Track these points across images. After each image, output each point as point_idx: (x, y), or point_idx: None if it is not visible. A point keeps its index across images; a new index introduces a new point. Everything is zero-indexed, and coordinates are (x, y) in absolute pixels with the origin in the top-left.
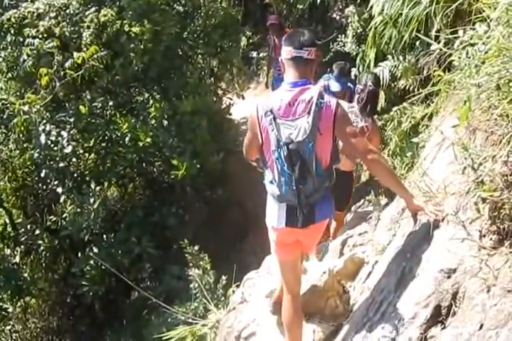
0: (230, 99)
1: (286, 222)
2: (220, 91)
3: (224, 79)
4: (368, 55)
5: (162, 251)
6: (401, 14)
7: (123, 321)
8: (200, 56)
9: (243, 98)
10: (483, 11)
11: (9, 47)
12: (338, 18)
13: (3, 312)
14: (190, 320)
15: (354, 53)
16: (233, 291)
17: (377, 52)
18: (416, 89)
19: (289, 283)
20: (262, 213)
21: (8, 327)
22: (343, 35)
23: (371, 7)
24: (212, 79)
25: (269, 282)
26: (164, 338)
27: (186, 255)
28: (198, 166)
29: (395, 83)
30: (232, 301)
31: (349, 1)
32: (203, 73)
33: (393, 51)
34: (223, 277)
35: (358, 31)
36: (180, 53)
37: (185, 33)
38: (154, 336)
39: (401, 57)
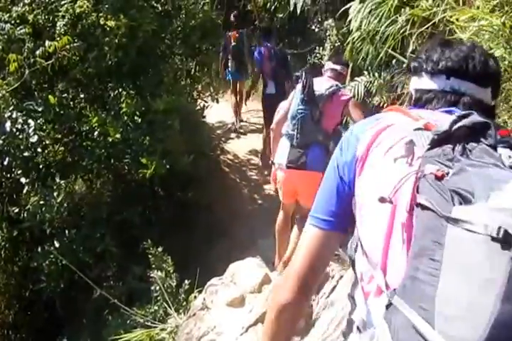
0: (205, 101)
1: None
2: (195, 93)
3: (200, 81)
4: None
5: (126, 251)
6: (378, 31)
7: (83, 320)
8: (177, 56)
9: (217, 102)
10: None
11: None
12: (316, 30)
13: None
14: (149, 324)
15: None
16: (195, 297)
17: (353, 66)
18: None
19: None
20: (230, 219)
21: None
22: (321, 48)
23: (350, 22)
24: (188, 80)
25: (231, 290)
26: (121, 340)
27: (150, 256)
28: (168, 167)
29: (370, 99)
30: (193, 307)
31: (328, 14)
32: (179, 73)
33: (369, 67)
34: (186, 281)
35: (336, 45)
36: (158, 52)
37: (163, 33)
38: (111, 337)
39: (376, 74)
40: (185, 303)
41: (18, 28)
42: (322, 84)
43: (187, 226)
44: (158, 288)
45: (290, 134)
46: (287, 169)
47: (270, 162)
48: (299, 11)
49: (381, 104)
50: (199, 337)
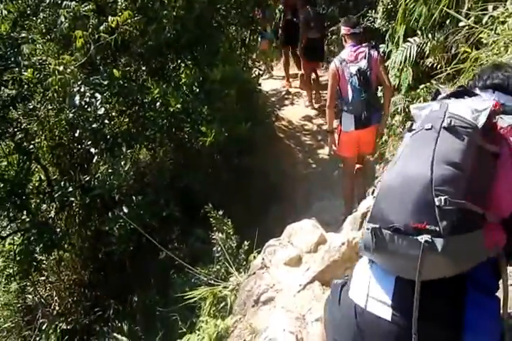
0: (260, 69)
1: (355, 126)
2: (250, 62)
3: (255, 50)
4: (397, 32)
5: (189, 215)
6: None
7: (150, 279)
8: (232, 26)
9: (272, 69)
10: None
11: (47, 10)
12: None
13: (38, 264)
14: (212, 282)
15: (384, 29)
16: (254, 257)
17: (406, 28)
18: (444, 67)
19: (346, 167)
20: (286, 183)
21: (43, 278)
22: (373, 11)
23: None
24: (243, 49)
25: (288, 250)
26: (186, 297)
27: (211, 219)
28: (226, 134)
29: (423, 60)
30: (252, 266)
31: None
32: (234, 43)
33: (422, 28)
34: (245, 242)
35: (388, 7)
36: (213, 22)
37: (218, 3)
38: (177, 295)
39: (430, 35)
40: (245, 263)
41: (82, 6)
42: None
43: (245, 191)
44: (219, 249)
45: (350, 109)
46: (355, 130)
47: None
48: None
49: (434, 65)
50: (259, 294)
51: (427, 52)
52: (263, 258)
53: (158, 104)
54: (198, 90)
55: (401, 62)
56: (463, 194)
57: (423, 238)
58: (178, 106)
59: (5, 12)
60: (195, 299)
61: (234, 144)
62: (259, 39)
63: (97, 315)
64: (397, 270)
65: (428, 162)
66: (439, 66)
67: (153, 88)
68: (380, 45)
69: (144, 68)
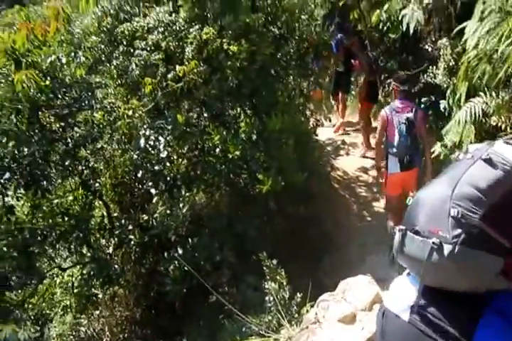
0: (317, 120)
1: (400, 168)
2: (308, 112)
3: (312, 100)
4: (458, 89)
5: (241, 260)
6: (497, 50)
7: (200, 321)
8: (291, 77)
9: (330, 120)
10: None
11: (120, 57)
12: (430, 49)
13: (94, 298)
14: (263, 332)
15: (444, 86)
16: (307, 310)
17: (468, 86)
18: (509, 127)
19: (391, 204)
20: (340, 234)
21: (97, 312)
22: (434, 67)
23: (465, 41)
24: (301, 99)
25: (342, 306)
26: None
27: (264, 268)
28: (282, 183)
29: (487, 119)
30: (305, 320)
31: (442, 33)
32: (293, 93)
33: (486, 87)
34: (298, 294)
35: (450, 64)
36: (273, 73)
37: (279, 54)
38: None
39: (494, 93)
40: (297, 315)
41: (152, 55)
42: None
43: (298, 240)
44: (271, 298)
45: (395, 152)
46: (401, 172)
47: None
48: (411, 31)
49: (499, 125)
50: None
51: (491, 111)
52: (316, 313)
53: (217, 149)
54: (256, 138)
55: (464, 121)
56: (480, 215)
57: (433, 240)
58: (237, 152)
59: (83, 58)
60: None
61: (290, 193)
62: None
63: None
64: (415, 273)
65: (454, 181)
66: (503, 126)
67: (214, 134)
68: (441, 101)
69: (205, 114)
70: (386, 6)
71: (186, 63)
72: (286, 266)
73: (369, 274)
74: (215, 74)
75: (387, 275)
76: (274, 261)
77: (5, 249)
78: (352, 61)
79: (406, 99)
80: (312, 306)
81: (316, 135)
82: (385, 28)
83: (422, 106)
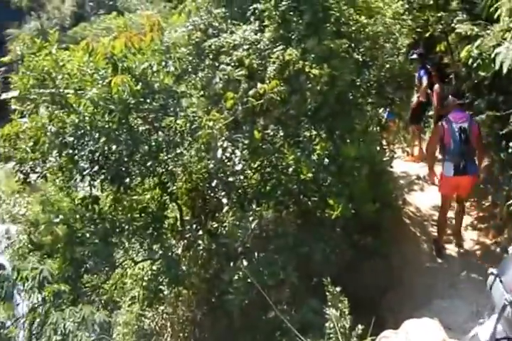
0: (394, 152)
1: (454, 173)
2: (384, 142)
3: (390, 131)
4: None
5: (303, 281)
6: None
7: (256, 335)
8: (369, 105)
9: (407, 154)
10: None
11: (206, 70)
12: None
13: (160, 294)
14: None
15: None
16: None
17: None
18: None
19: (444, 203)
20: (406, 272)
21: (162, 308)
22: None
23: None
24: (378, 128)
25: None
26: None
27: (327, 293)
28: (353, 211)
29: None
30: None
31: None
32: (370, 122)
33: None
34: (359, 326)
35: None
36: (352, 99)
37: (359, 81)
38: None
39: None
40: None
41: (236, 70)
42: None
43: (363, 271)
44: (332, 325)
45: (450, 158)
46: (454, 176)
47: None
48: (505, 70)
49: None
50: None
51: None
52: None
53: (290, 169)
54: (329, 163)
55: None
56: None
57: (507, 297)
58: (309, 174)
59: (172, 68)
60: None
61: (359, 222)
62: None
63: None
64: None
65: None
66: None
67: (288, 153)
68: None
69: (281, 133)
70: (478, 42)
71: (267, 82)
72: (349, 294)
73: (436, 319)
74: (295, 95)
75: (454, 323)
76: (338, 288)
77: (87, 235)
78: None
79: (461, 110)
80: (373, 340)
81: (391, 167)
82: (475, 64)
83: (511, 150)
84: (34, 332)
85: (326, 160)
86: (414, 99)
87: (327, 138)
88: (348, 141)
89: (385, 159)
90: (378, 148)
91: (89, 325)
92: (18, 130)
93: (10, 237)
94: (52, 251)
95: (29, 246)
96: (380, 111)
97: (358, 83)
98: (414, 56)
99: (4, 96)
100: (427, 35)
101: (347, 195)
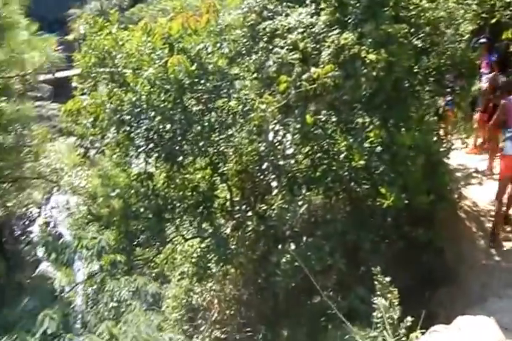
0: (451, 143)
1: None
2: (441, 132)
3: (448, 121)
4: None
5: (350, 269)
6: None
7: (300, 318)
8: (427, 93)
9: (467, 146)
10: None
11: (260, 52)
12: None
13: (209, 271)
14: None
15: None
16: (417, 336)
17: None
18: None
19: (500, 191)
20: (460, 268)
21: (210, 285)
22: None
23: None
24: (435, 118)
25: None
26: None
27: (375, 282)
28: (406, 201)
29: None
30: None
31: None
32: (427, 110)
33: None
34: (408, 318)
35: None
36: (409, 87)
37: (417, 68)
38: None
39: None
40: (404, 339)
41: (290, 54)
42: None
43: (412, 263)
44: (379, 315)
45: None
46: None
47: None
48: None
49: None
50: None
51: None
52: None
53: (342, 155)
54: (382, 151)
55: None
56: None
57: None
58: (361, 162)
59: (226, 50)
60: None
61: (411, 213)
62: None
63: (247, 335)
64: None
65: None
66: None
67: (340, 140)
68: None
69: (333, 119)
70: None
71: (322, 66)
72: (398, 286)
73: (492, 317)
74: (349, 81)
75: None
76: (387, 278)
77: (141, 210)
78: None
79: None
80: (423, 333)
81: (448, 158)
82: None
83: None
84: (91, 298)
85: (379, 148)
86: (482, 85)
87: (381, 125)
88: (403, 129)
89: (441, 150)
90: (435, 138)
91: (142, 294)
92: (79, 106)
93: (69, 208)
94: (108, 223)
95: (88, 217)
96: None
97: (415, 70)
98: (484, 40)
99: (59, 74)
100: (493, 21)
101: (400, 185)
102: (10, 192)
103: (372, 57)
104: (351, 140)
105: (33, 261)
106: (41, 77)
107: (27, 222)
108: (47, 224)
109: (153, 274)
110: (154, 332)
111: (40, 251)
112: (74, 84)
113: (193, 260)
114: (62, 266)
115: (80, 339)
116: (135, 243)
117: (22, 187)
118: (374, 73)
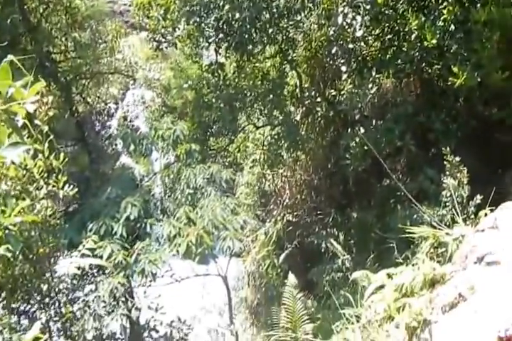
0: None
1: None
2: None
3: None
4: None
5: (420, 151)
6: None
7: (370, 201)
8: None
9: None
10: None
11: None
12: None
13: (280, 157)
14: (435, 224)
15: None
16: (486, 214)
17: None
18: None
19: None
20: None
21: (281, 171)
22: None
23: None
24: None
25: None
26: (406, 231)
27: (445, 162)
28: (478, 80)
29: None
30: (482, 223)
31: None
32: None
33: None
34: (478, 196)
35: None
36: None
37: None
38: (399, 225)
39: None
40: (473, 217)
41: None
42: None
43: (484, 143)
44: (449, 194)
45: None
46: None
47: None
48: None
49: None
50: (485, 253)
51: None
52: (495, 218)
53: (413, 35)
54: (456, 28)
55: None
56: None
57: None
58: (434, 41)
59: None
60: (415, 236)
61: (484, 91)
62: None
63: (318, 218)
64: None
65: None
66: None
67: (412, 19)
68: None
69: None
70: None
71: None
72: (468, 166)
73: None
74: None
75: None
76: (457, 158)
77: (213, 100)
78: None
79: None
80: (492, 211)
81: None
82: None
83: None
84: (168, 186)
85: (453, 26)
86: None
87: (455, 1)
88: (479, 4)
89: None
90: None
91: (217, 181)
92: None
93: (145, 102)
94: (182, 114)
95: (163, 108)
96: None
97: None
98: None
99: None
100: None
101: (473, 63)
102: (89, 88)
103: None
104: (423, 18)
105: (114, 153)
106: None
107: (106, 117)
108: (125, 118)
109: (227, 163)
110: (229, 216)
111: (120, 144)
112: None
113: (265, 147)
114: (140, 156)
115: (160, 223)
116: (208, 133)
117: (100, 82)
118: None
